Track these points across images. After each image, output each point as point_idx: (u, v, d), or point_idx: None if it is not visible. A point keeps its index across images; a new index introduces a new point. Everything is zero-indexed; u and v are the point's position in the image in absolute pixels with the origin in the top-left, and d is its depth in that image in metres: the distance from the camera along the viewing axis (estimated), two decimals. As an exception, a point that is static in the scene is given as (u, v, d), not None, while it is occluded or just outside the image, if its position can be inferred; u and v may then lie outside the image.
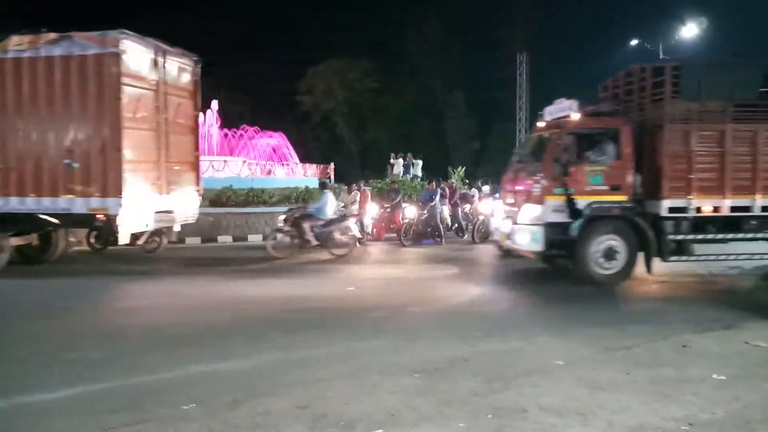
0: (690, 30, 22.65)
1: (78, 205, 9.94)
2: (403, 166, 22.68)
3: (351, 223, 12.58)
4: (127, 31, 9.89)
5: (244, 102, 36.18)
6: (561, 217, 8.92)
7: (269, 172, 21.97)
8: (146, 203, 10.44)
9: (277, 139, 25.43)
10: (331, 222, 12.29)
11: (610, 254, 8.93)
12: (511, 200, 9.89)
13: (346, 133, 40.72)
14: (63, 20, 12.55)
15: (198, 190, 12.18)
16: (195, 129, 12.29)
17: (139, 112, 10.31)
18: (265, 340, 6.05)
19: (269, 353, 5.63)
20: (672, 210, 8.94)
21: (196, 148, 12.28)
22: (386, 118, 39.84)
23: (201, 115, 13.52)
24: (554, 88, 19.59)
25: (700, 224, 9.09)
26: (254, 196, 15.85)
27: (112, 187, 9.80)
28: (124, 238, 10.11)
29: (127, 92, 9.94)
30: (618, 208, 8.99)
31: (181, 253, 13.06)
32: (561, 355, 5.42)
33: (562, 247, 9.05)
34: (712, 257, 9.33)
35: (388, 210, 15.07)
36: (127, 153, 9.93)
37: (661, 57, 30.69)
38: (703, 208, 8.98)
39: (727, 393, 4.52)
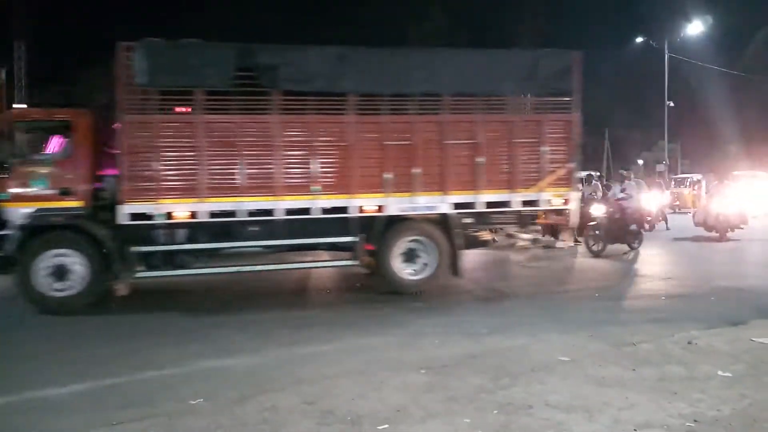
0: (696, 27, 22.53)
1: None
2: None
3: None
4: None
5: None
6: None
7: None
8: None
9: None
10: None
11: (62, 273, 7.44)
12: None
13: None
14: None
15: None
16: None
17: None
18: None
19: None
20: (137, 217, 7.49)
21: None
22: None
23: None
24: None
25: (192, 232, 7.86)
26: None
27: None
28: None
29: None
30: (64, 216, 7.58)
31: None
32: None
33: (5, 267, 7.51)
34: (197, 269, 8.04)
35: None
36: None
37: (666, 55, 30.64)
38: (175, 214, 7.58)
39: (734, 391, 4.50)
